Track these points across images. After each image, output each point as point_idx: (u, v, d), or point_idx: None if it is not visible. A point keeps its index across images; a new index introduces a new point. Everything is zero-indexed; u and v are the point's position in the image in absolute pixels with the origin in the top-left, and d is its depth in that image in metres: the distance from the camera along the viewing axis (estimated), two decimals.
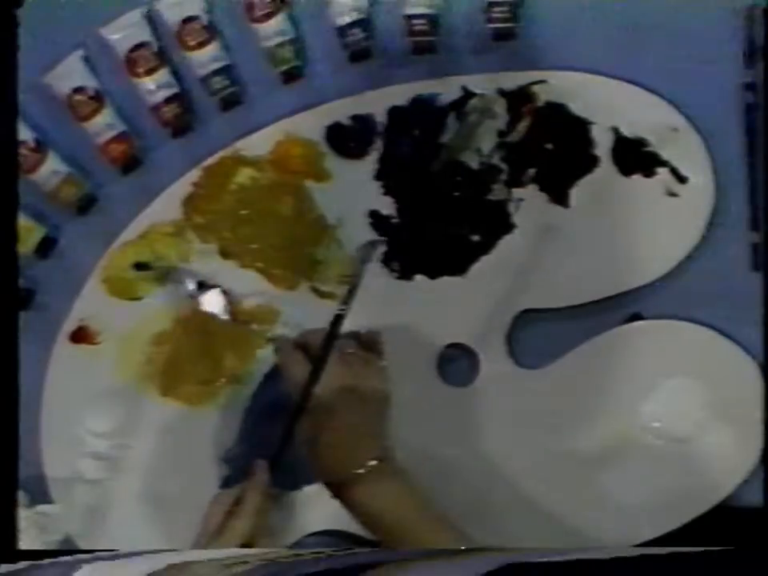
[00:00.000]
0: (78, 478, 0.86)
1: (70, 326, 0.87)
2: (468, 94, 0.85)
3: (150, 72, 0.86)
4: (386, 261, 0.85)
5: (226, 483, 0.83)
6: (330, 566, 0.62)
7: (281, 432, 0.70)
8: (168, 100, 0.86)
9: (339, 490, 0.71)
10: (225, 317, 0.84)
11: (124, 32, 0.86)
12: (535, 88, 0.84)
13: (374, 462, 0.70)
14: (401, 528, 0.69)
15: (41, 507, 0.85)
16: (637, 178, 0.83)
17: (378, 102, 0.86)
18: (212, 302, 0.85)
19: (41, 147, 0.86)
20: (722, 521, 0.78)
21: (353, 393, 0.70)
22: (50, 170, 0.86)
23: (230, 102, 0.87)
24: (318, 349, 0.71)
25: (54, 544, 0.84)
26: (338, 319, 0.72)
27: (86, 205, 0.88)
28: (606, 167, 0.83)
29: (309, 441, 0.71)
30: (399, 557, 0.68)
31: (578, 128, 0.84)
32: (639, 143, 0.83)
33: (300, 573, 0.62)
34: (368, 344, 0.76)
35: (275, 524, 0.71)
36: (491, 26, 0.84)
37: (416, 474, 0.81)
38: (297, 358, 0.71)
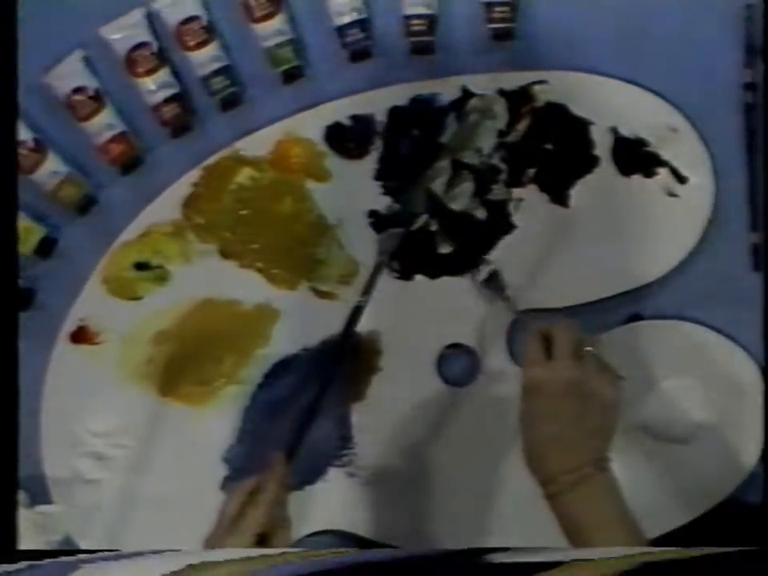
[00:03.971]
0: (78, 477, 0.86)
1: (69, 326, 0.87)
2: (468, 94, 0.85)
3: (149, 72, 0.86)
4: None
5: (226, 483, 0.83)
6: (330, 566, 0.62)
7: (297, 423, 0.69)
8: (168, 100, 0.86)
9: (548, 491, 0.69)
10: None
11: (124, 32, 0.86)
12: (535, 88, 0.84)
13: (587, 470, 0.67)
14: (591, 537, 0.66)
15: (41, 507, 0.85)
16: (637, 178, 0.83)
17: (378, 102, 0.86)
18: None
19: (41, 147, 0.87)
20: (722, 521, 0.78)
21: (580, 389, 0.69)
22: (50, 170, 0.86)
23: (229, 102, 0.88)
24: (337, 339, 0.69)
25: (54, 544, 0.84)
26: (357, 311, 0.71)
27: (85, 205, 0.88)
28: (605, 167, 0.83)
29: (530, 433, 0.70)
30: (397, 557, 0.68)
31: (578, 128, 0.84)
32: (639, 143, 0.83)
33: (300, 573, 0.62)
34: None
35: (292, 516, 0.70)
36: (491, 26, 0.84)
37: (415, 473, 0.82)
38: (536, 346, 0.71)
